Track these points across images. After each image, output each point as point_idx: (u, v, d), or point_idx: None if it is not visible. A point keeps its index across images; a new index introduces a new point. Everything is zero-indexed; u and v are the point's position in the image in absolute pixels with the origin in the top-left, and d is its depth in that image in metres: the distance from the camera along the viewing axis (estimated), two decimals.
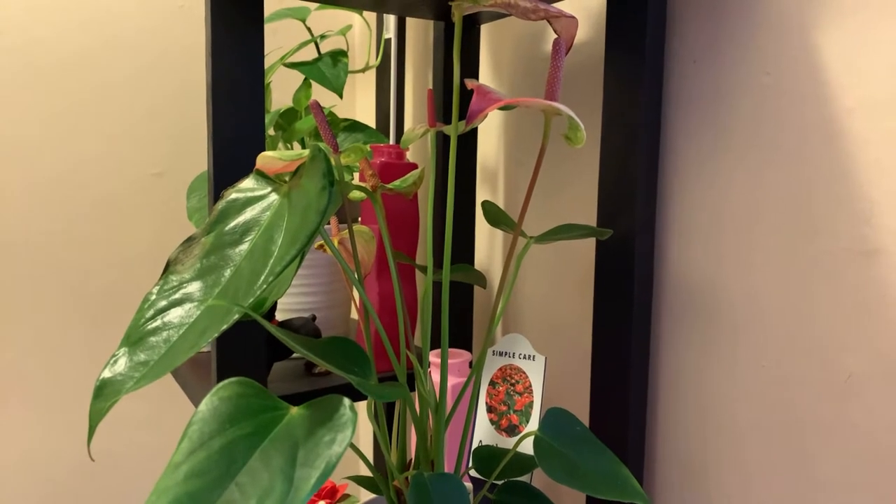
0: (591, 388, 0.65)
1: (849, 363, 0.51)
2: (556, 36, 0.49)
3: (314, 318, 0.78)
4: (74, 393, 1.04)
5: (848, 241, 0.51)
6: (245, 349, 0.65)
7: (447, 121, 0.83)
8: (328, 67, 0.88)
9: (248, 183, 0.48)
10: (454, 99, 0.49)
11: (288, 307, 0.86)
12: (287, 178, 0.49)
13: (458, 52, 0.47)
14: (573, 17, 0.46)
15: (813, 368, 0.54)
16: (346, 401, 0.37)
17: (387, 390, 0.42)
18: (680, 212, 0.63)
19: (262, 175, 0.48)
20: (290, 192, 0.45)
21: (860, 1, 0.50)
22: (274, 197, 0.46)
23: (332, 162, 0.51)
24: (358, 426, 1.29)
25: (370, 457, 1.23)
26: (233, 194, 0.48)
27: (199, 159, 1.10)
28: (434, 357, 0.68)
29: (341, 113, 1.24)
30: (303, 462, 0.34)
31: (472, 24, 0.82)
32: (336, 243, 0.62)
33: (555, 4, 0.78)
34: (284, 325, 0.76)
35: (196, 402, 0.74)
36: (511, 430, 0.63)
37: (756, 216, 0.57)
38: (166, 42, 1.06)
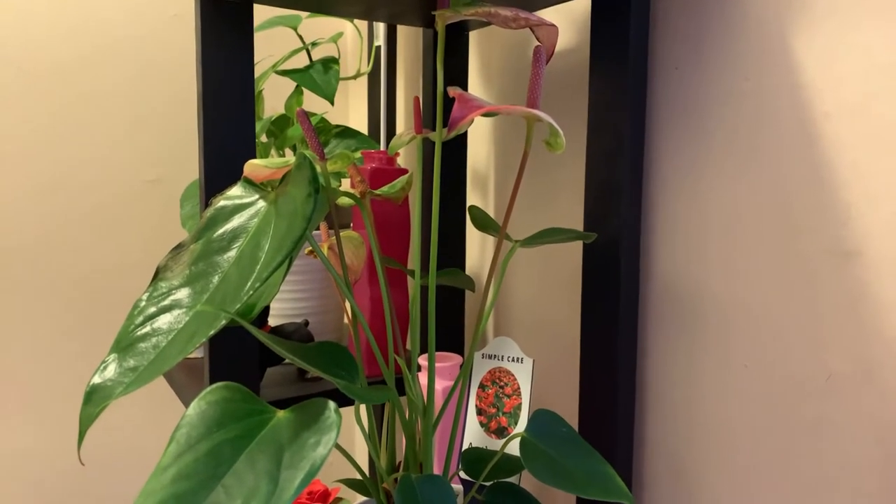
0: (579, 389, 0.66)
1: (829, 363, 0.52)
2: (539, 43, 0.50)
3: (307, 323, 0.78)
4: (68, 398, 1.04)
5: (827, 242, 0.52)
6: (238, 355, 0.66)
7: (436, 126, 0.84)
8: (319, 75, 0.89)
9: (236, 190, 0.48)
10: (438, 106, 0.50)
11: (281, 312, 0.86)
12: (275, 185, 0.50)
13: (441, 60, 0.48)
14: (553, 26, 0.46)
15: (795, 368, 0.54)
16: (331, 404, 0.38)
17: (372, 393, 0.43)
18: (665, 214, 0.64)
19: (250, 182, 0.49)
20: (277, 199, 0.46)
21: (834, 8, 0.51)
22: (261, 204, 0.47)
23: (318, 169, 0.52)
24: (354, 431, 1.30)
25: (365, 460, 1.24)
26: (221, 202, 0.48)
27: (194, 166, 1.11)
28: (424, 361, 0.69)
29: (335, 119, 1.25)
30: (288, 464, 0.35)
31: (460, 31, 0.83)
32: (326, 249, 0.63)
33: (541, 11, 0.79)
34: (277, 330, 0.77)
35: (189, 406, 0.75)
36: (500, 433, 0.63)
37: (738, 218, 0.58)
38: (161, 50, 1.07)
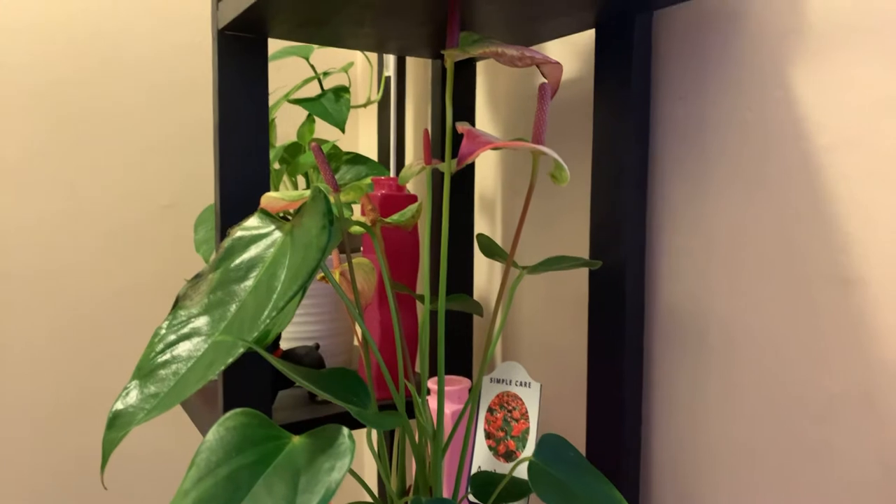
0: (586, 413, 0.67)
1: (831, 387, 0.53)
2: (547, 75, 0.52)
3: (318, 346, 0.80)
4: (82, 419, 1.06)
5: (827, 269, 0.53)
6: (251, 379, 0.67)
7: (444, 157, 0.86)
8: (331, 103, 0.91)
9: (253, 221, 0.50)
10: (447, 140, 0.52)
11: (292, 336, 0.88)
12: (290, 216, 0.51)
13: (450, 97, 0.50)
14: (558, 63, 0.48)
15: (797, 392, 0.55)
16: (345, 430, 0.39)
17: (384, 419, 0.44)
18: (669, 241, 0.66)
19: (267, 214, 0.51)
20: (293, 230, 0.47)
21: (832, 44, 0.53)
22: (277, 235, 0.49)
23: (332, 201, 0.53)
24: (363, 453, 1.30)
25: (375, 483, 1.24)
26: (238, 232, 0.50)
27: (208, 191, 1.14)
28: (433, 384, 0.70)
29: (345, 145, 1.28)
30: (304, 489, 0.36)
31: (468, 62, 0.86)
32: (337, 275, 0.65)
33: (546, 43, 0.81)
34: (289, 353, 0.78)
35: (202, 430, 0.76)
36: (509, 456, 0.64)
37: (742, 245, 0.59)
38: (177, 76, 1.10)
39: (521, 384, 0.65)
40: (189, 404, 0.82)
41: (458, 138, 0.84)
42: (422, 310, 1.01)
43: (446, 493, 0.67)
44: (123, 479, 1.09)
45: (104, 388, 1.07)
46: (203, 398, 0.82)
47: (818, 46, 0.54)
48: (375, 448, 1.05)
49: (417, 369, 0.96)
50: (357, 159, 0.96)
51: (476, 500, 0.58)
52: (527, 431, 0.64)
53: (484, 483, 0.58)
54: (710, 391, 0.62)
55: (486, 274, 0.93)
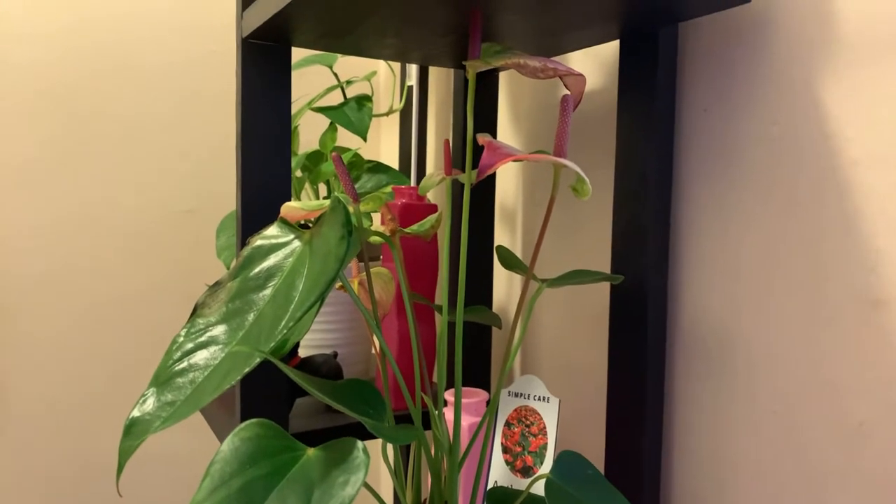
0: (606, 431, 0.66)
1: (861, 410, 0.52)
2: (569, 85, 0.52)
3: (336, 354, 0.80)
4: (97, 423, 1.07)
5: (855, 289, 0.52)
6: (269, 386, 0.67)
7: (465, 168, 0.86)
8: (353, 112, 0.91)
9: (273, 230, 0.50)
10: (468, 151, 0.51)
11: (311, 343, 0.88)
12: (311, 224, 0.51)
13: (471, 108, 0.50)
14: (581, 75, 0.48)
15: (825, 415, 0.54)
16: (360, 444, 0.39)
17: (400, 433, 0.44)
18: (692, 256, 0.65)
19: (286, 223, 0.51)
20: (312, 240, 0.47)
21: (862, 58, 0.51)
22: (296, 244, 0.48)
23: (351, 211, 0.53)
24: (379, 464, 1.30)
25: (390, 495, 1.23)
26: (258, 241, 0.50)
27: (228, 198, 1.15)
28: (450, 396, 0.69)
29: (366, 153, 1.28)
30: (317, 502, 0.36)
31: (490, 72, 0.85)
32: (356, 285, 0.65)
33: (570, 54, 0.81)
34: (307, 361, 0.78)
35: (220, 436, 0.76)
36: (526, 472, 0.63)
37: (766, 262, 0.58)
38: (198, 84, 1.11)
39: (539, 399, 0.64)
40: (207, 410, 0.82)
41: (479, 149, 0.84)
42: (440, 321, 1.00)
43: None
44: (138, 484, 1.10)
45: (122, 393, 1.08)
46: (221, 405, 0.82)
47: (848, 60, 0.52)
48: (391, 460, 1.04)
49: (435, 380, 0.95)
50: (378, 168, 0.96)
51: None
52: (545, 447, 0.63)
53: (500, 499, 0.57)
54: (733, 411, 0.61)
55: (505, 286, 0.93)
